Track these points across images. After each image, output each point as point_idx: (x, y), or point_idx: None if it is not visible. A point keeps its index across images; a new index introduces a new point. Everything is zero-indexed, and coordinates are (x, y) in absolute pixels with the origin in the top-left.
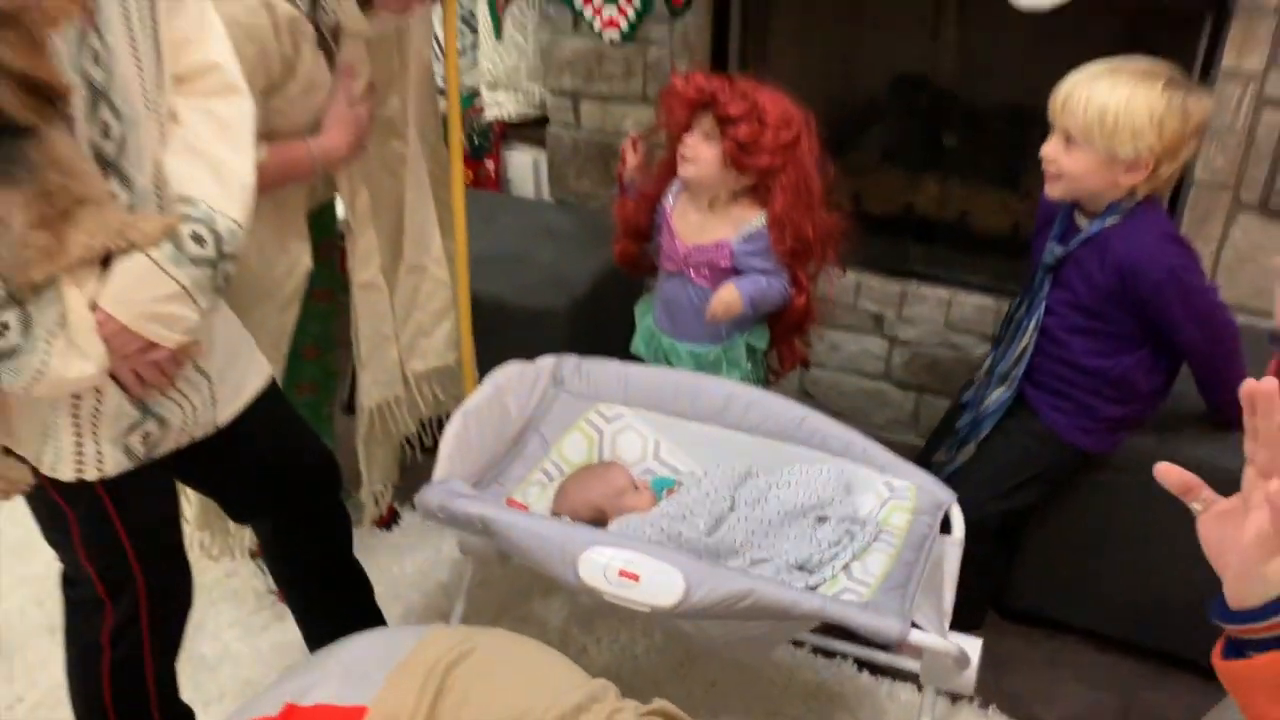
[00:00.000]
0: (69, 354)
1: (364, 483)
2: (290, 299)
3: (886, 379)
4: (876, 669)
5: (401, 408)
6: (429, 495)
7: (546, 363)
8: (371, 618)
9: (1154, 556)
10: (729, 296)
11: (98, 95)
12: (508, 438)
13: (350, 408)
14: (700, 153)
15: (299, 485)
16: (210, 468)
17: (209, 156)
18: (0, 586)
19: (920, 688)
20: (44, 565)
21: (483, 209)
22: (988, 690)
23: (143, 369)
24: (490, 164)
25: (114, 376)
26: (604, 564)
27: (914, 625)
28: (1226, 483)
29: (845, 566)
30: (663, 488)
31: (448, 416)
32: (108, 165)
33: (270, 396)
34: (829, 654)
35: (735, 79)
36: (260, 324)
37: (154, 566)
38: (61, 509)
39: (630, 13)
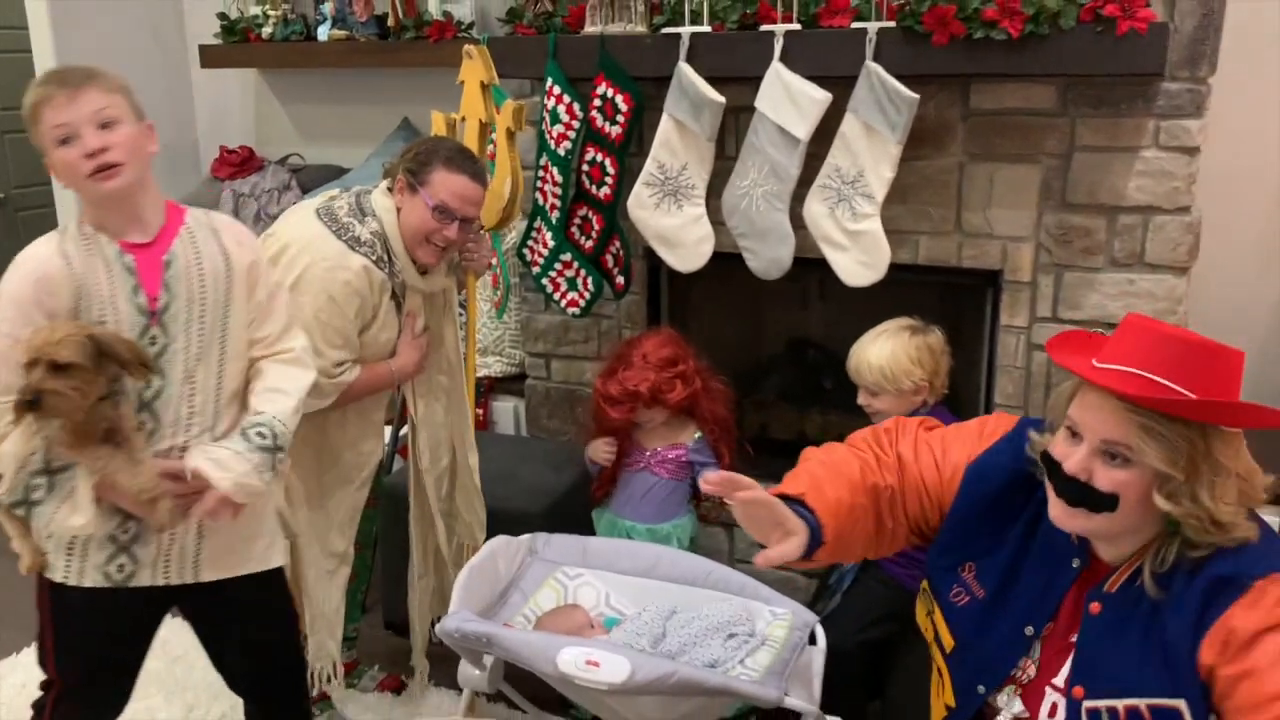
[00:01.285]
0: (71, 512)
1: (413, 632)
2: (365, 482)
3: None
4: None
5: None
6: (448, 622)
7: (525, 538)
8: None
9: None
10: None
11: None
12: (498, 592)
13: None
14: (652, 417)
15: (271, 678)
16: (199, 617)
17: (280, 390)
18: None
19: None
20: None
21: (479, 444)
22: None
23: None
24: (480, 411)
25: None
26: (574, 657)
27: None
28: None
29: (741, 661)
30: (612, 624)
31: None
32: (144, 405)
33: (274, 587)
34: None
35: (630, 357)
36: (342, 501)
37: (71, 677)
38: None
39: (587, 295)
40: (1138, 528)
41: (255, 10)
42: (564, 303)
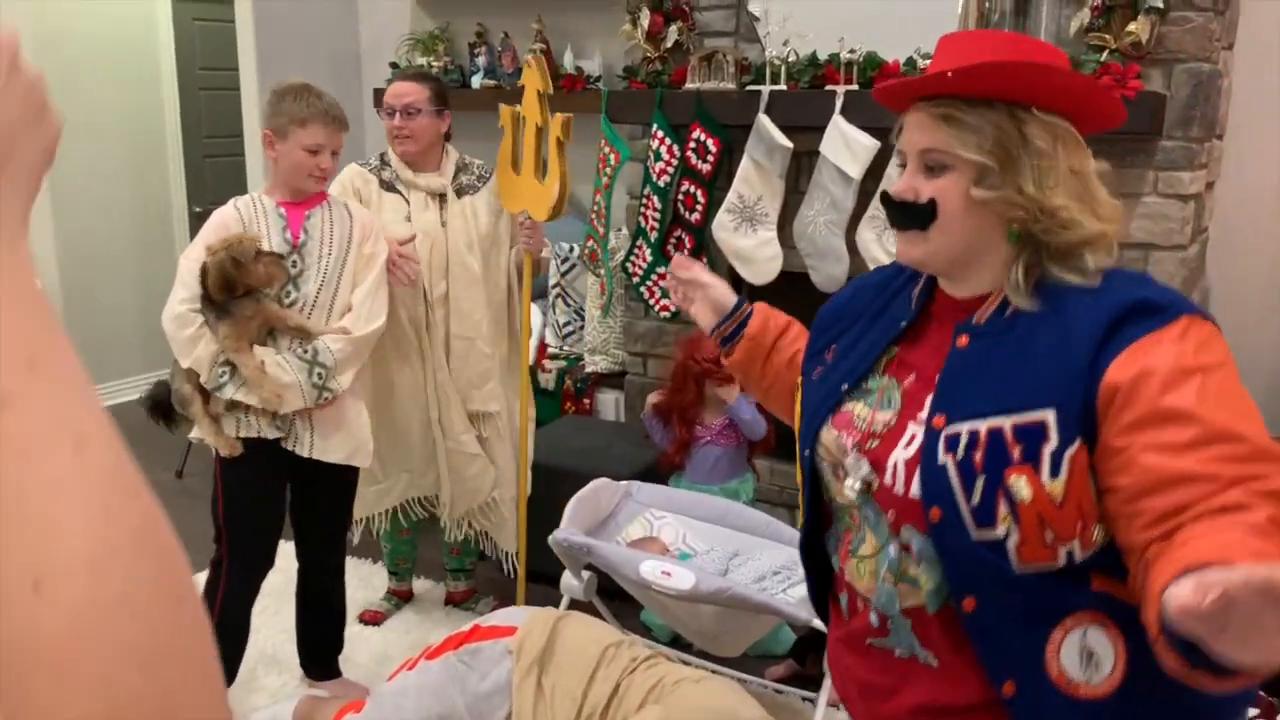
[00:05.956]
0: (246, 389)
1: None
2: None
3: None
4: (806, 699)
5: None
6: (558, 534)
7: (624, 483)
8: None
9: None
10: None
11: (291, 281)
12: (598, 520)
13: None
14: (728, 395)
15: (321, 542)
16: (301, 488)
17: (344, 329)
18: None
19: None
20: None
21: (583, 426)
22: None
23: None
24: (588, 400)
25: None
26: (653, 568)
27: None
28: None
29: (784, 591)
30: (685, 559)
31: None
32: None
33: (351, 480)
34: (779, 691)
35: (700, 338)
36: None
37: (238, 537)
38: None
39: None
40: (977, 248)
41: (421, 61)
42: (658, 308)
